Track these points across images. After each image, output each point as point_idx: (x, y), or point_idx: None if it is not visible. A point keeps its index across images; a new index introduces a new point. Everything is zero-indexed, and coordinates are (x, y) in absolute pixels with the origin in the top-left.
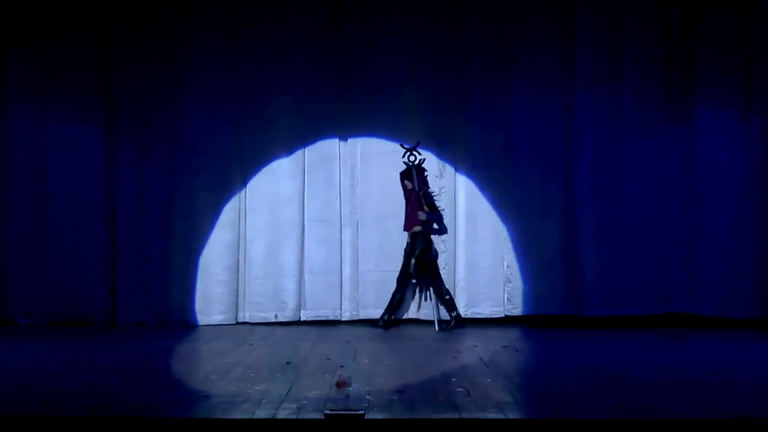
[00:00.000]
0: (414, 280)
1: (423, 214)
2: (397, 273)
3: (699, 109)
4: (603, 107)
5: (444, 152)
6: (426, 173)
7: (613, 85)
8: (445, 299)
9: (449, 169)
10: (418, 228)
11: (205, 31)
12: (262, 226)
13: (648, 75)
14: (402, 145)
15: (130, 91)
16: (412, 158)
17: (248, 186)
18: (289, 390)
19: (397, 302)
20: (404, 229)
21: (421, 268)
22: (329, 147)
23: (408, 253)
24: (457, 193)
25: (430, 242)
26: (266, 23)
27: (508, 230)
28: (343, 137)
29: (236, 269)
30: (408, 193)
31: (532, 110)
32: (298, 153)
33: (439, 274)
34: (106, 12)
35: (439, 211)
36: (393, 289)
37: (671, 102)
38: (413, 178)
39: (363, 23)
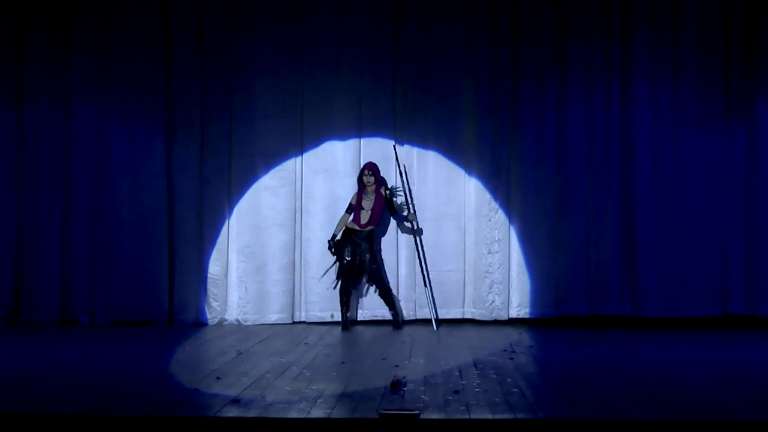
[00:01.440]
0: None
1: (412, 214)
2: (450, 272)
3: (761, 105)
4: (661, 102)
5: (498, 153)
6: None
7: (672, 79)
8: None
9: (504, 169)
10: (372, 227)
11: (262, 32)
12: (319, 226)
13: (708, 70)
14: (395, 146)
15: (190, 93)
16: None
17: (305, 186)
18: (345, 389)
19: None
20: (367, 225)
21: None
22: (385, 147)
23: (371, 250)
24: (511, 193)
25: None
26: (324, 24)
27: (561, 230)
28: (399, 141)
29: (292, 269)
30: (363, 190)
31: (587, 106)
32: (354, 153)
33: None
34: (165, 10)
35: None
36: (448, 289)
37: (732, 97)
38: (379, 180)
39: (421, 23)
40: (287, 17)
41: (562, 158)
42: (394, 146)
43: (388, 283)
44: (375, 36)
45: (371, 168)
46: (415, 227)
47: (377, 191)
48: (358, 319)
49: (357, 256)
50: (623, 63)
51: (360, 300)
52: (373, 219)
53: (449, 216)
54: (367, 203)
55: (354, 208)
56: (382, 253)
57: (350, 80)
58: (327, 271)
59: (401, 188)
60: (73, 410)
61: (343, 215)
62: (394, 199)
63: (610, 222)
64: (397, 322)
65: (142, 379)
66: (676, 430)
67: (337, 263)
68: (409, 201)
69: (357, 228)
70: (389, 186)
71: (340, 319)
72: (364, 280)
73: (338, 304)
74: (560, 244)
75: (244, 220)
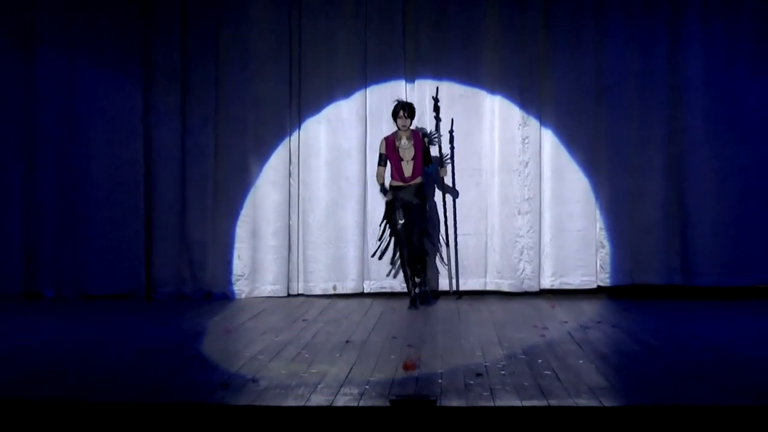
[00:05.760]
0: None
1: (444, 170)
2: (468, 236)
3: None
4: (715, 41)
5: (527, 97)
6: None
7: (726, 16)
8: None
9: (533, 117)
10: (420, 179)
11: None
12: (319, 184)
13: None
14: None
15: (170, 33)
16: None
17: (302, 139)
18: (350, 373)
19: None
20: (413, 177)
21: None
22: (394, 91)
23: (422, 210)
24: (542, 144)
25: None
26: None
27: (601, 187)
28: (410, 79)
29: (287, 234)
30: (393, 136)
31: (630, 46)
32: (359, 100)
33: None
34: None
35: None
36: (467, 256)
37: None
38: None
39: None
40: None
41: (601, 105)
42: (436, 91)
43: (427, 251)
44: None
45: (406, 107)
46: (448, 183)
47: (415, 136)
48: (365, 291)
49: (410, 218)
50: None
51: (368, 269)
52: (417, 169)
53: (468, 170)
54: (407, 152)
55: (392, 159)
56: None
57: (354, 14)
58: (380, 246)
59: (437, 134)
60: (43, 396)
61: (378, 169)
62: (430, 146)
63: (655, 178)
64: (426, 295)
65: (117, 360)
66: (733, 415)
67: (389, 231)
68: (448, 152)
69: (402, 184)
70: (426, 131)
71: (341, 292)
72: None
73: (340, 274)
74: (600, 204)
75: (233, 176)
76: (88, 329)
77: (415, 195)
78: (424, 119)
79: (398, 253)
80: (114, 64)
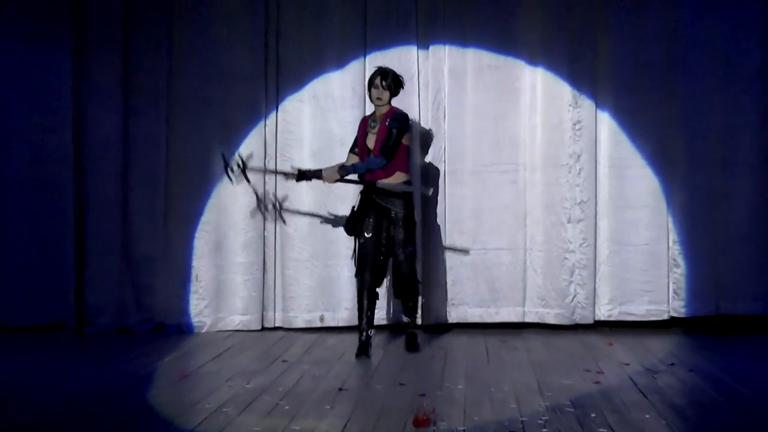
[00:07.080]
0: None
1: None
2: (501, 250)
3: None
4: None
5: (578, 70)
6: None
7: None
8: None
9: (587, 95)
10: (404, 177)
11: None
12: (304, 182)
13: None
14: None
15: None
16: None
17: (281, 122)
18: (344, 430)
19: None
20: (380, 178)
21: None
22: (402, 60)
23: (406, 222)
24: (599, 131)
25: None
26: None
27: (675, 187)
28: (424, 45)
29: (261, 247)
30: (368, 119)
31: (711, 2)
32: (356, 71)
33: None
34: None
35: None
36: (497, 277)
37: None
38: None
39: None
40: None
41: (674, 80)
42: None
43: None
44: None
45: (388, 74)
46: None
47: (388, 116)
48: None
49: (384, 231)
50: None
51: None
52: (389, 164)
53: (500, 165)
54: (372, 139)
55: (359, 148)
56: None
57: None
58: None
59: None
60: None
61: (350, 155)
62: (396, 131)
63: (745, 175)
64: (414, 339)
65: (40, 412)
66: None
67: (355, 243)
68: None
69: (374, 182)
70: (397, 113)
71: (331, 324)
72: (389, 269)
73: (330, 301)
74: (673, 210)
75: (191, 172)
76: (2, 371)
77: (391, 202)
78: (440, 97)
79: (356, 275)
80: (36, 29)
